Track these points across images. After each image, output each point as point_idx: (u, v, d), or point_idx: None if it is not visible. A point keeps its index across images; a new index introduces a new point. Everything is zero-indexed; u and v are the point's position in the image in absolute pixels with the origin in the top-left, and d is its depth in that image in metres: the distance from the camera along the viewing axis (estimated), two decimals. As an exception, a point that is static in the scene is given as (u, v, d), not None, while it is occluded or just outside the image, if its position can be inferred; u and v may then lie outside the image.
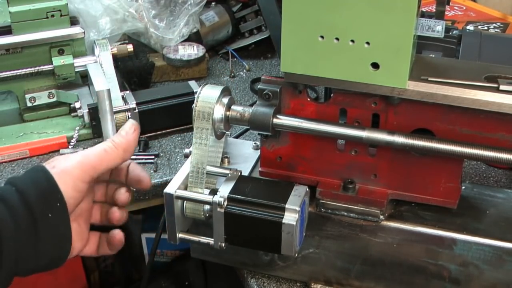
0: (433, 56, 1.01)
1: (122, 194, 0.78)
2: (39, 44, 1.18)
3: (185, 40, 1.47)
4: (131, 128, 0.75)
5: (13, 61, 1.18)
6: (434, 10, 1.04)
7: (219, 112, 0.81)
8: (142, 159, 1.16)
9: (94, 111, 1.15)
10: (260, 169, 0.89)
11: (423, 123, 0.79)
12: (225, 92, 0.82)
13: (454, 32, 1.06)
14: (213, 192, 0.80)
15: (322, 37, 0.75)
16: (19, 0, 1.14)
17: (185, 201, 0.82)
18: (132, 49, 1.26)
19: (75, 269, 1.38)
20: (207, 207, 0.81)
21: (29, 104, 1.22)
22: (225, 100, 0.81)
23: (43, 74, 1.21)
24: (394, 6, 0.70)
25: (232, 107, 0.82)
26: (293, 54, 0.77)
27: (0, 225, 0.62)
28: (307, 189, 0.80)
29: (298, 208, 0.76)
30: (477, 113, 0.75)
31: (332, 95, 0.82)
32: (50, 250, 0.67)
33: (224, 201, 0.78)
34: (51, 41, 1.18)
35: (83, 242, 0.75)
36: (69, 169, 0.68)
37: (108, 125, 1.15)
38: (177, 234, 0.82)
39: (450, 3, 1.11)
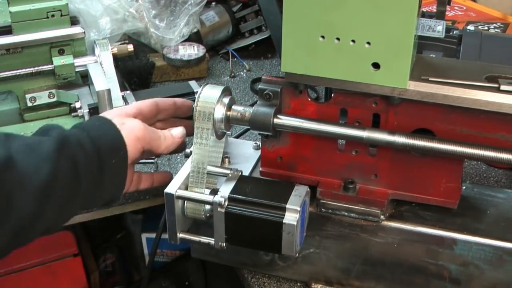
0: (434, 56, 1.01)
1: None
2: (39, 44, 1.18)
3: (185, 40, 1.47)
4: (181, 132, 0.87)
5: (13, 61, 1.18)
6: (434, 10, 1.04)
7: (219, 112, 0.81)
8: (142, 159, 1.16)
9: (94, 111, 1.15)
10: (260, 169, 0.89)
11: (423, 123, 0.79)
12: (226, 92, 0.82)
13: (454, 32, 1.06)
14: (214, 192, 0.80)
15: (322, 37, 0.75)
16: (19, 0, 1.14)
17: (185, 201, 0.82)
18: (132, 49, 1.25)
19: (75, 269, 1.38)
20: (207, 207, 0.81)
21: (29, 104, 1.22)
22: (226, 100, 0.82)
23: (43, 74, 1.21)
24: (395, 6, 0.70)
25: (233, 107, 0.82)
26: (293, 54, 0.77)
27: (79, 167, 0.73)
28: (308, 189, 0.80)
29: (298, 208, 0.76)
30: (477, 113, 0.75)
31: (332, 95, 0.82)
32: (110, 190, 0.79)
33: (224, 201, 0.78)
34: (51, 41, 1.18)
35: (130, 183, 0.85)
36: (135, 132, 0.80)
37: (108, 125, 1.15)
38: (178, 234, 0.82)
39: (451, 3, 1.11)
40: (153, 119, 0.88)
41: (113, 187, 0.80)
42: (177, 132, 0.86)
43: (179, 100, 0.92)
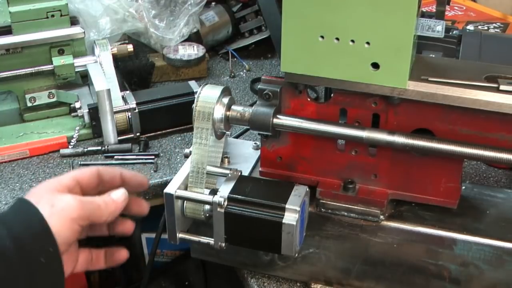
0: (433, 56, 1.01)
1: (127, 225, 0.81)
2: (39, 44, 1.18)
3: (185, 40, 1.47)
4: (123, 195, 0.76)
5: (13, 61, 1.18)
6: (434, 10, 1.04)
7: (219, 112, 0.81)
8: (142, 159, 1.16)
9: (94, 111, 1.15)
10: (260, 169, 0.89)
11: (423, 123, 0.79)
12: (225, 92, 0.82)
13: (454, 32, 1.06)
14: (213, 192, 0.80)
15: (322, 37, 0.75)
16: (19, 0, 1.14)
17: (185, 201, 0.82)
18: (132, 49, 1.26)
19: (75, 269, 1.37)
20: (207, 207, 0.81)
21: (29, 104, 1.22)
22: (225, 100, 0.82)
23: (43, 74, 1.21)
24: (395, 6, 0.70)
25: (232, 107, 0.82)
26: (293, 54, 0.77)
27: (3, 281, 0.63)
28: (307, 189, 0.80)
29: (298, 208, 0.76)
30: (477, 113, 0.75)
31: (332, 95, 0.82)
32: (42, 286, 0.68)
33: (224, 201, 0.78)
34: (51, 41, 1.18)
35: (73, 264, 0.75)
36: (69, 212, 0.69)
37: (108, 125, 1.15)
38: (177, 234, 0.82)
39: (450, 3, 1.11)
40: (93, 191, 0.76)
41: (46, 282, 0.67)
42: (119, 195, 0.75)
43: (126, 173, 0.80)
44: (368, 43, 0.73)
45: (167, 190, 0.80)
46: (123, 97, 1.18)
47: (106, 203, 0.73)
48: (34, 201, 0.69)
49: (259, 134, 0.86)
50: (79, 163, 1.14)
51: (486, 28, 1.52)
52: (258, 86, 0.83)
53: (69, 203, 0.69)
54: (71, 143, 1.18)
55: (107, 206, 0.73)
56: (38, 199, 0.69)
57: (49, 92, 1.23)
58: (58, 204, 0.69)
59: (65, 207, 0.69)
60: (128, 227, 0.81)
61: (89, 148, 1.17)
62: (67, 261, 0.71)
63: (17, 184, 1.10)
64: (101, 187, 0.77)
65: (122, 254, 0.80)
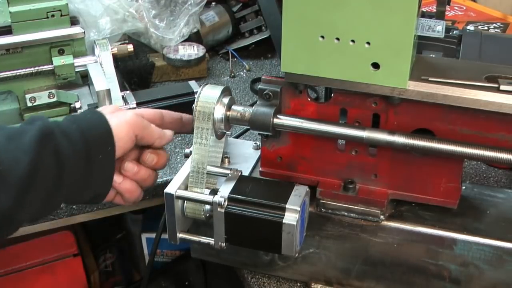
0: (434, 56, 1.01)
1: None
2: (39, 44, 1.18)
3: (185, 40, 1.47)
4: (172, 134, 0.86)
5: (13, 61, 1.18)
6: (434, 10, 1.04)
7: (219, 112, 0.81)
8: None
9: (94, 111, 1.15)
10: (260, 169, 0.89)
11: (423, 123, 0.79)
12: (226, 92, 0.82)
13: (454, 32, 1.06)
14: (214, 192, 0.80)
15: (322, 37, 0.75)
16: (19, 0, 1.14)
17: (185, 201, 0.82)
18: (132, 49, 1.26)
19: (75, 269, 1.38)
20: (207, 207, 0.81)
21: (29, 104, 1.22)
22: (226, 100, 0.82)
23: (43, 74, 1.21)
24: (395, 6, 0.70)
25: (233, 107, 0.82)
26: (293, 54, 0.77)
27: (64, 158, 0.72)
28: (308, 189, 0.80)
29: (298, 208, 0.76)
30: (477, 113, 0.75)
31: (332, 95, 0.82)
32: (97, 184, 0.78)
33: (224, 201, 0.78)
34: (51, 41, 1.18)
35: (114, 191, 0.83)
36: (127, 118, 0.79)
37: (108, 125, 1.14)
38: (178, 234, 0.82)
39: (450, 3, 1.11)
40: None
41: (100, 181, 0.78)
42: (170, 132, 0.86)
43: (186, 116, 0.89)
44: (368, 43, 0.73)
45: (167, 190, 0.80)
46: (123, 97, 1.18)
47: (157, 129, 0.83)
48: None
49: (259, 134, 0.86)
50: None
51: (486, 28, 1.52)
52: (258, 86, 0.83)
53: (128, 113, 0.81)
54: (71, 143, 1.18)
55: (158, 131, 0.83)
56: (104, 112, 0.80)
57: (49, 92, 1.22)
58: (120, 115, 0.80)
59: (125, 114, 0.80)
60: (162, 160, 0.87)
61: (89, 148, 1.16)
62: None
63: (17, 184, 1.10)
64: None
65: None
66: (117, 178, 0.81)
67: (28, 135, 0.70)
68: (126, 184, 0.83)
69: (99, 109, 0.82)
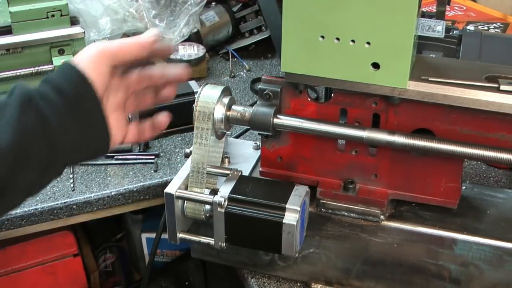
0: (434, 56, 1.01)
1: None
2: (39, 44, 1.18)
3: (185, 40, 1.47)
4: (152, 33, 0.79)
5: (13, 61, 1.18)
6: (434, 10, 1.04)
7: (219, 112, 0.81)
8: (142, 159, 1.16)
9: (94, 111, 1.15)
10: (260, 169, 0.89)
11: (423, 123, 0.79)
12: (226, 92, 0.82)
13: (454, 32, 1.06)
14: (214, 192, 0.80)
15: (322, 37, 0.75)
16: (19, 0, 1.14)
17: (185, 201, 0.82)
18: (132, 49, 1.25)
19: (75, 269, 1.37)
20: (207, 207, 0.81)
21: (29, 104, 1.22)
22: (226, 100, 0.82)
23: (43, 74, 1.21)
24: (395, 6, 0.70)
25: (233, 107, 0.82)
26: (293, 54, 0.77)
27: (48, 121, 0.69)
28: (308, 189, 0.80)
29: (298, 208, 0.76)
30: (477, 113, 0.75)
31: (332, 95, 0.82)
32: (92, 137, 0.74)
33: (224, 201, 0.78)
34: (52, 41, 1.18)
35: (122, 133, 0.79)
36: (92, 57, 0.74)
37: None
38: (178, 234, 0.82)
39: (451, 3, 1.11)
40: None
41: (94, 133, 0.74)
42: (148, 34, 0.78)
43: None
44: (368, 43, 0.73)
45: (168, 190, 0.80)
46: (123, 97, 1.18)
47: (131, 40, 0.77)
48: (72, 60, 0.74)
49: (259, 134, 0.86)
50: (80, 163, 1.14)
51: (486, 28, 1.52)
52: (259, 86, 0.83)
53: (93, 47, 0.74)
54: (71, 143, 1.18)
55: (132, 42, 0.76)
56: (71, 59, 0.74)
57: (49, 92, 1.22)
58: (85, 52, 0.74)
59: (91, 47, 0.74)
60: (170, 92, 0.83)
61: (89, 148, 1.16)
62: (117, 129, 0.77)
63: (17, 184, 1.10)
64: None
65: (163, 117, 0.83)
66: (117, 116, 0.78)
67: (9, 106, 0.69)
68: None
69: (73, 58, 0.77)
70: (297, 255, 0.80)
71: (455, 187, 0.82)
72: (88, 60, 0.73)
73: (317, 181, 0.86)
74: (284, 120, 0.81)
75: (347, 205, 0.84)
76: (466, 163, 1.11)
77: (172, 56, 1.42)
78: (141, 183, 1.11)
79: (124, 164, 1.15)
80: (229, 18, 1.55)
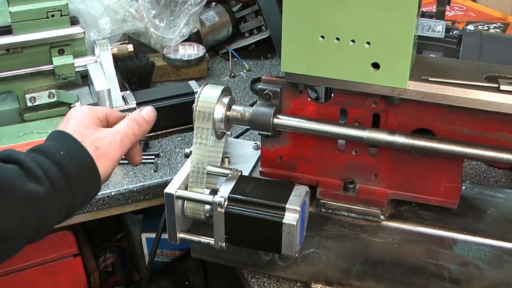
0: (434, 56, 1.00)
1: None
2: (39, 44, 1.18)
3: (185, 40, 1.47)
4: (154, 113, 0.83)
5: (13, 61, 1.18)
6: (434, 10, 1.04)
7: (219, 112, 0.81)
8: (142, 159, 1.16)
9: (94, 111, 1.15)
10: (260, 169, 0.89)
11: (423, 123, 0.79)
12: (226, 92, 0.82)
13: (454, 32, 1.06)
14: (214, 192, 0.80)
15: (322, 37, 0.75)
16: (19, 0, 1.14)
17: (185, 201, 0.82)
18: (132, 49, 1.26)
19: (75, 269, 1.38)
20: (207, 207, 0.81)
21: (29, 104, 1.22)
22: (226, 100, 0.82)
23: (43, 74, 1.21)
24: (395, 6, 0.70)
25: (233, 107, 0.82)
26: (293, 54, 0.77)
27: (49, 213, 0.69)
28: (308, 189, 0.80)
29: (298, 208, 0.76)
30: (477, 113, 0.75)
31: (332, 95, 0.82)
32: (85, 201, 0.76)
33: (224, 201, 0.78)
34: (51, 41, 1.18)
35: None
36: (112, 154, 0.76)
37: (108, 125, 1.15)
38: (178, 234, 0.82)
39: (451, 3, 1.11)
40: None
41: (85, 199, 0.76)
42: (148, 111, 0.82)
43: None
44: (368, 43, 0.73)
45: (168, 190, 0.80)
46: (123, 97, 1.18)
47: (140, 124, 0.80)
48: (80, 140, 0.74)
49: (259, 134, 0.86)
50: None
51: (486, 28, 1.52)
52: (259, 86, 0.83)
53: (112, 147, 0.76)
54: (71, 143, 1.18)
55: (141, 126, 0.80)
56: (83, 138, 0.74)
57: (49, 92, 1.23)
58: (102, 147, 0.75)
59: (109, 152, 0.76)
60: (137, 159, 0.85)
61: (89, 148, 1.16)
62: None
63: (17, 184, 1.10)
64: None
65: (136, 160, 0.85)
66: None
67: (16, 200, 0.66)
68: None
69: (69, 127, 0.76)
70: (297, 255, 0.80)
71: (455, 187, 0.82)
72: (108, 157, 0.75)
73: (317, 181, 0.86)
74: (284, 120, 0.81)
75: (347, 205, 0.84)
76: (466, 163, 1.11)
77: (172, 56, 1.42)
78: (141, 183, 1.11)
79: (124, 164, 1.15)
80: (229, 18, 1.55)
